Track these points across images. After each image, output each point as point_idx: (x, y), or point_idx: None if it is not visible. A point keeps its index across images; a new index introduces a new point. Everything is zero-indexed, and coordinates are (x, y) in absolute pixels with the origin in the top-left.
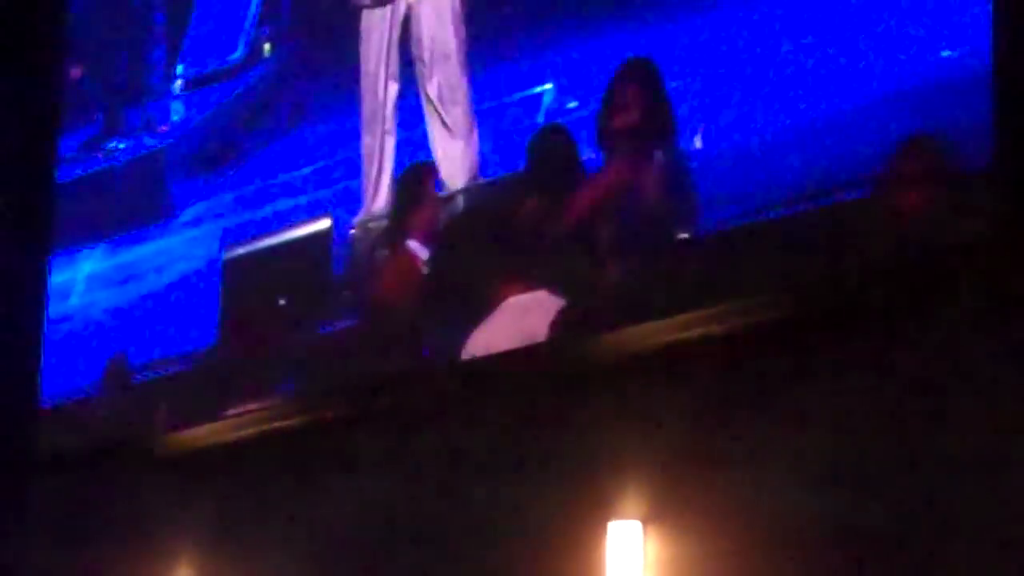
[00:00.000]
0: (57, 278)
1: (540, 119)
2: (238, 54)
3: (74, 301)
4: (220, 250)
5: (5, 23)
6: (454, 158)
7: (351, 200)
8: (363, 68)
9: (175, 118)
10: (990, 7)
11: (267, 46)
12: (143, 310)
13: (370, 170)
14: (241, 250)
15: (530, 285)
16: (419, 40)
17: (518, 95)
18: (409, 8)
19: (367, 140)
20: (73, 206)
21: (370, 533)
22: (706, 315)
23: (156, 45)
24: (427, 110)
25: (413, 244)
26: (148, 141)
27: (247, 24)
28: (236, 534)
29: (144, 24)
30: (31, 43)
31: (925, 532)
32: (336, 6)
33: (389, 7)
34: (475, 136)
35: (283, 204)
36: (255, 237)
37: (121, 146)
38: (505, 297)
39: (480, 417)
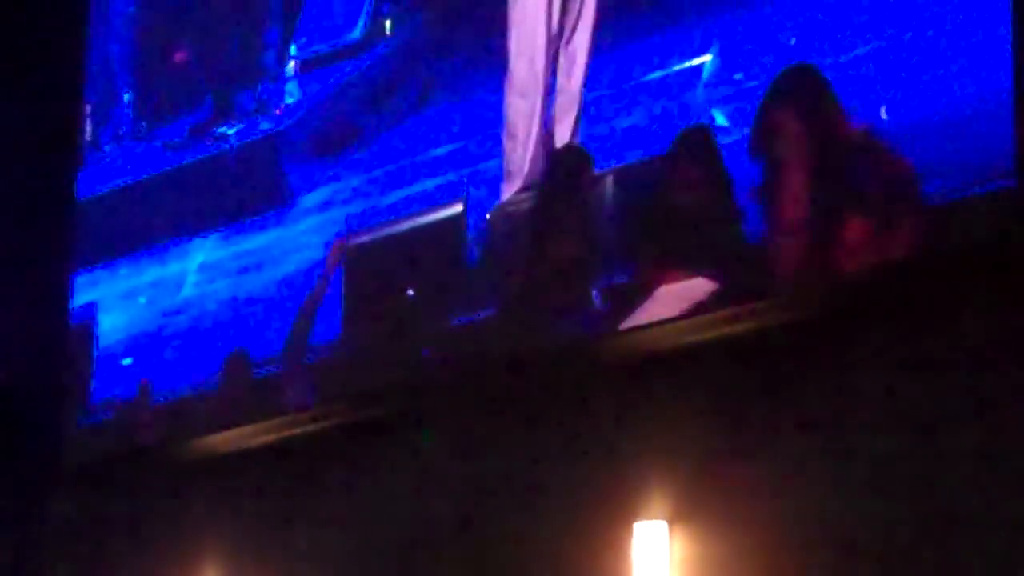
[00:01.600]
0: (169, 269)
1: (700, 92)
2: (357, 33)
3: (187, 292)
4: (343, 238)
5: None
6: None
7: (485, 183)
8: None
9: (290, 100)
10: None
11: (388, 23)
12: (261, 302)
13: (518, 141)
14: (366, 237)
15: (685, 272)
16: None
17: (677, 66)
18: None
19: (517, 103)
20: (181, 194)
21: (395, 535)
22: (733, 313)
23: (269, 25)
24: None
25: None
26: (263, 125)
27: (366, 2)
28: (264, 540)
29: (256, 4)
30: (48, 59)
31: (951, 532)
32: None
33: None
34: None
35: (412, 189)
36: (381, 224)
37: (232, 131)
38: (659, 284)
39: (505, 417)
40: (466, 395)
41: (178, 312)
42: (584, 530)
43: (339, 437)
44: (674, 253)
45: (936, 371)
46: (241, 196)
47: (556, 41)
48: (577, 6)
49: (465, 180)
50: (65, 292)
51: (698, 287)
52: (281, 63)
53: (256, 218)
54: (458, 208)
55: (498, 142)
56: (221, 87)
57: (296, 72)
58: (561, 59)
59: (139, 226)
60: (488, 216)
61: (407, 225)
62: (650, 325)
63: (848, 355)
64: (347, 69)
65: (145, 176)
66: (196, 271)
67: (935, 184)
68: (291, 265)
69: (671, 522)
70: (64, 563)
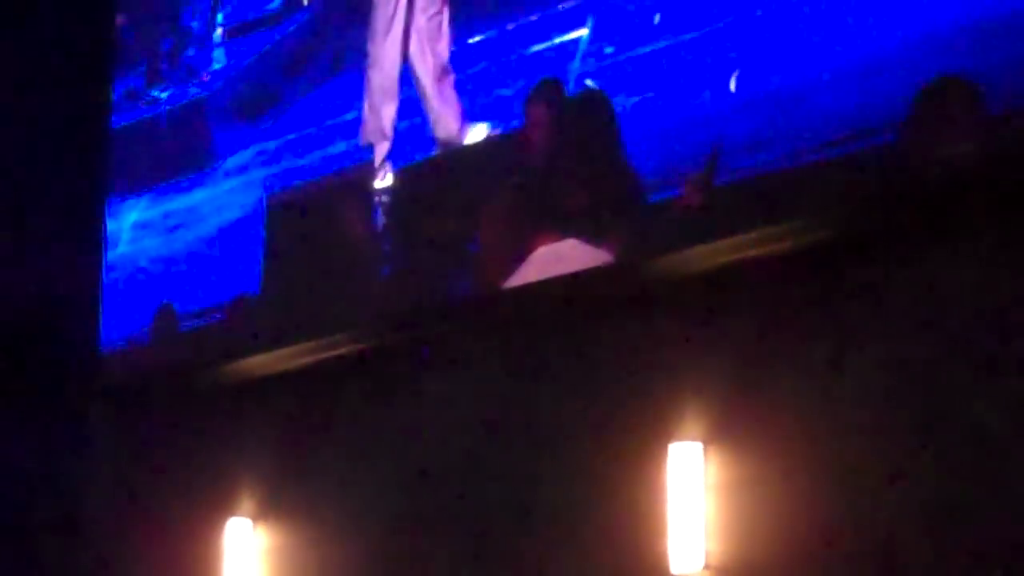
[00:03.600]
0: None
1: (576, 65)
2: (276, 2)
3: (122, 249)
4: (263, 197)
5: None
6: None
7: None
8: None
9: (217, 66)
10: None
11: None
12: (189, 258)
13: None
14: (284, 196)
15: (560, 236)
16: None
17: (557, 39)
18: None
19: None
20: (117, 155)
21: (428, 463)
22: (762, 235)
23: None
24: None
25: None
26: (191, 90)
27: None
28: (297, 465)
29: None
30: None
31: (978, 472)
32: None
33: None
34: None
35: (326, 151)
36: (298, 184)
37: (164, 95)
38: (534, 248)
39: (540, 341)
40: (505, 320)
41: (112, 268)
42: (620, 451)
43: (375, 360)
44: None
45: (973, 296)
46: (171, 158)
47: (409, 18)
48: None
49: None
50: (99, 217)
51: (573, 247)
52: (209, 29)
53: (185, 179)
54: (369, 165)
55: (402, 107)
56: (154, 53)
57: (223, 39)
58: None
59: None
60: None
61: (322, 182)
62: (680, 249)
63: (884, 275)
64: (270, 37)
65: None
66: (130, 229)
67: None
68: (215, 223)
69: (706, 443)
70: (103, 477)
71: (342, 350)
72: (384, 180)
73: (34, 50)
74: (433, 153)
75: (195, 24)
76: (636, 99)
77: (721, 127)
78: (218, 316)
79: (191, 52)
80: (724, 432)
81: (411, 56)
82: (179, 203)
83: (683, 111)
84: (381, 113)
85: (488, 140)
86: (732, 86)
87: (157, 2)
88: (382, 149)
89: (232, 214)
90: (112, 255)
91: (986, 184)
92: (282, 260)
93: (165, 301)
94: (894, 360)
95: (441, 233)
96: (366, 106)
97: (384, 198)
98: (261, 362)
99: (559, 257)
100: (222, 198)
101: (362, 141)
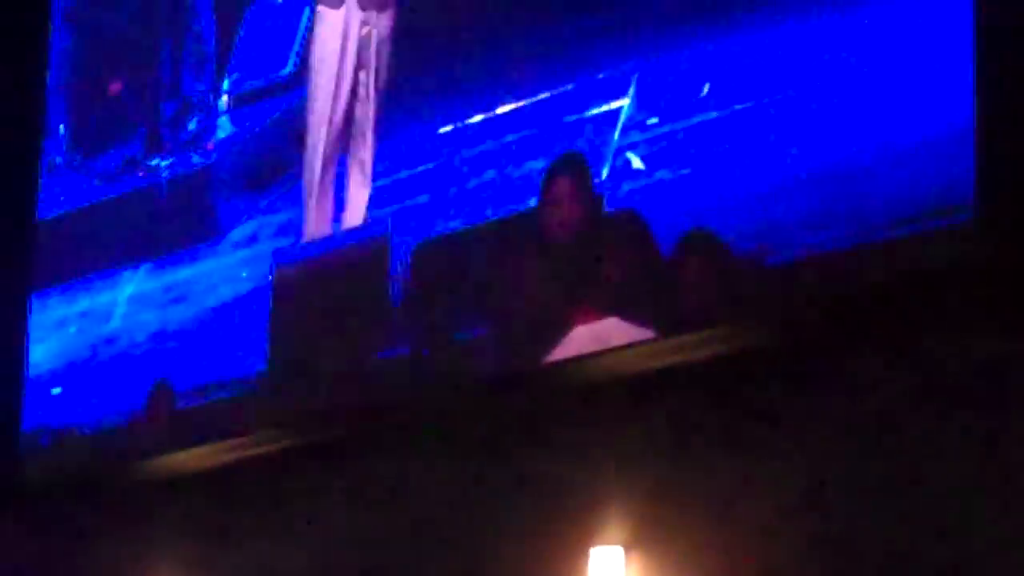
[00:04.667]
0: (98, 300)
1: (615, 137)
2: (288, 69)
3: (115, 324)
4: (270, 271)
5: None
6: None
7: (414, 218)
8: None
9: (221, 135)
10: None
11: None
12: (189, 333)
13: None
14: (292, 269)
15: (599, 312)
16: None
17: (595, 110)
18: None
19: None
20: (113, 225)
21: (342, 565)
22: (689, 341)
23: (202, 60)
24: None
25: None
26: (194, 159)
27: (297, 39)
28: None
29: (188, 37)
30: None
31: (919, 547)
32: None
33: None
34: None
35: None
36: (307, 257)
37: (164, 164)
38: (573, 325)
39: (458, 443)
40: (412, 425)
41: (107, 342)
42: (539, 555)
43: (288, 460)
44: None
45: (893, 399)
46: (172, 229)
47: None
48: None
49: (388, 217)
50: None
51: (614, 327)
52: (213, 97)
53: (185, 251)
54: (383, 239)
55: (424, 178)
56: (154, 120)
57: (228, 107)
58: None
59: (71, 257)
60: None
61: (332, 256)
62: (603, 352)
63: (807, 385)
64: (279, 105)
65: (78, 207)
66: (125, 302)
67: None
68: (217, 298)
69: (627, 548)
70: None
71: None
72: None
73: None
74: (447, 230)
75: (199, 91)
76: (685, 171)
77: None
78: (219, 394)
79: (194, 120)
80: (645, 536)
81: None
82: (180, 275)
83: (729, 187)
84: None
85: (505, 218)
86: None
87: (157, 68)
88: None
89: (236, 288)
90: (104, 329)
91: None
92: (282, 336)
93: (161, 377)
94: (817, 466)
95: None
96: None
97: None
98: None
99: (599, 338)
100: (225, 271)
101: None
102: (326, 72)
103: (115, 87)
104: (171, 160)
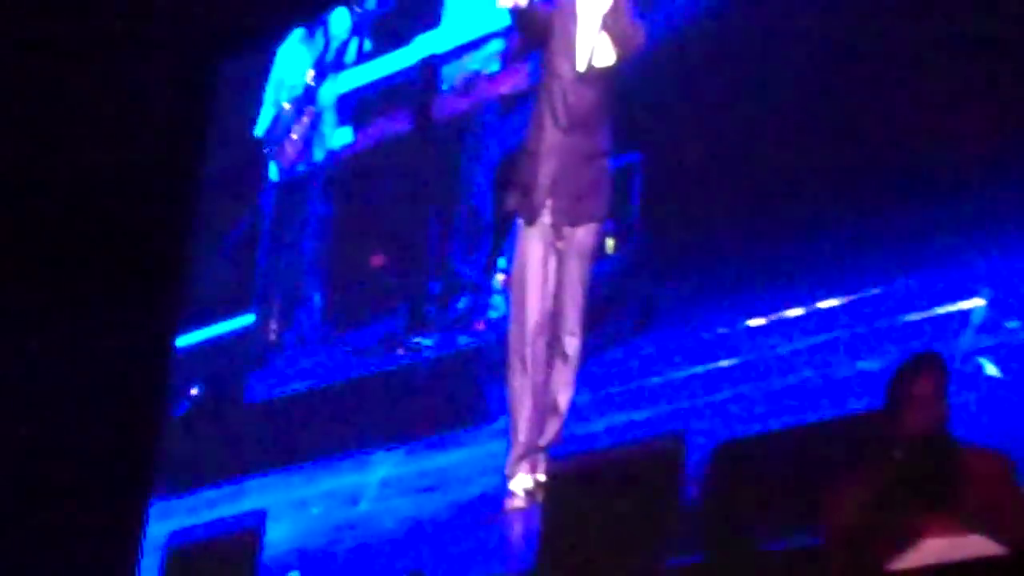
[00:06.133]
0: (344, 481)
1: (966, 339)
2: None
3: (364, 507)
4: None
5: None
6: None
7: (713, 416)
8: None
9: (494, 315)
10: None
11: (610, 242)
12: (444, 524)
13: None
14: (565, 466)
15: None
16: None
17: (940, 309)
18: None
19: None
20: (367, 403)
21: None
22: None
23: (475, 235)
24: None
25: None
26: (461, 339)
27: None
28: None
29: (462, 212)
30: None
31: None
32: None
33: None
34: None
35: (618, 417)
36: (581, 452)
37: (428, 342)
38: (923, 534)
39: None
40: None
41: (352, 527)
42: None
43: None
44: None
45: None
46: (431, 411)
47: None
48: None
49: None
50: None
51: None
52: (487, 275)
53: (446, 435)
54: (674, 441)
55: (726, 373)
56: (418, 296)
57: (504, 286)
58: None
59: (318, 434)
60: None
61: (612, 455)
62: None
63: None
64: None
65: (330, 382)
66: (376, 485)
67: None
68: (477, 488)
69: None
70: None
71: None
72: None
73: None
74: (755, 430)
75: (470, 269)
76: None
77: None
78: None
79: (464, 298)
80: None
81: None
82: (438, 461)
83: None
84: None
85: (833, 419)
86: None
87: (427, 244)
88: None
89: (499, 479)
90: (351, 512)
91: None
92: (552, 536)
93: (415, 570)
94: None
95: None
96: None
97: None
98: None
99: (953, 548)
100: (488, 460)
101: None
102: (526, 284)
103: (377, 260)
104: (435, 339)
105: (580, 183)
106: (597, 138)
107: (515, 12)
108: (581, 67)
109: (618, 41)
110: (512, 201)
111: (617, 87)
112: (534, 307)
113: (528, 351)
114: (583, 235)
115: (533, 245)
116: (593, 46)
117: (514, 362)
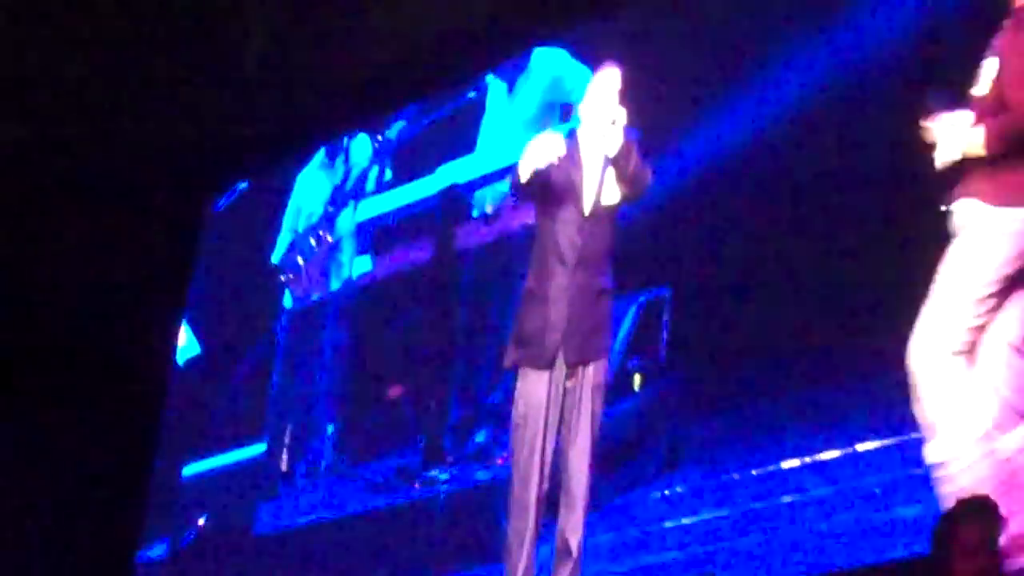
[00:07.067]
0: None
1: None
2: None
3: None
4: None
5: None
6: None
7: (736, 560)
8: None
9: None
10: None
11: (637, 378)
12: None
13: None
14: None
15: None
16: None
17: None
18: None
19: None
20: (380, 539)
21: None
22: None
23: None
24: None
25: None
26: (479, 474)
27: (615, 351)
28: None
29: (490, 344)
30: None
31: None
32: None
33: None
34: None
35: (645, 559)
36: None
37: (444, 476)
38: None
39: None
40: None
41: None
42: None
43: None
44: None
45: None
46: (447, 547)
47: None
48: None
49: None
50: None
51: None
52: (507, 405)
53: (461, 573)
54: None
55: (757, 517)
56: (437, 429)
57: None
58: None
59: (328, 569)
60: None
61: None
62: None
63: None
64: None
65: (342, 515)
66: None
67: None
68: None
69: None
70: None
71: None
72: None
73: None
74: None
75: (494, 401)
76: None
77: None
78: None
79: (483, 431)
80: None
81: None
82: None
83: None
84: None
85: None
86: None
87: (444, 378)
88: None
89: None
90: None
91: None
92: None
93: None
94: None
95: None
96: None
97: None
98: None
99: None
100: None
101: None
102: (531, 426)
103: (395, 392)
104: (452, 472)
105: (590, 320)
106: (603, 275)
107: (535, 173)
108: (587, 210)
109: (627, 183)
110: (513, 357)
111: (646, 224)
112: (536, 450)
113: (529, 495)
114: (594, 371)
115: (537, 387)
116: (598, 188)
117: (513, 506)
